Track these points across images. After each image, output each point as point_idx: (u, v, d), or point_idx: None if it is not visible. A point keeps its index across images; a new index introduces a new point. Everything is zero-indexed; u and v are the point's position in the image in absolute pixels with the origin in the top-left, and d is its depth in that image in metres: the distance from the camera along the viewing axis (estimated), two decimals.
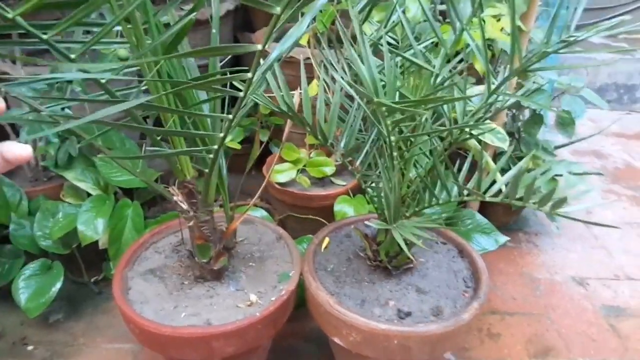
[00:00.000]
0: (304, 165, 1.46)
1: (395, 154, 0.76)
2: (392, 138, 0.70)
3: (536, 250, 1.64)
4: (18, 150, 0.35)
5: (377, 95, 0.60)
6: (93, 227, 1.23)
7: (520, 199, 0.74)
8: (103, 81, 0.67)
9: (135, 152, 1.39)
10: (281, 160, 1.48)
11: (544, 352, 1.23)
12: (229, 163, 1.02)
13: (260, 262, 1.02)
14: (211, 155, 0.80)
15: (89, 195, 1.32)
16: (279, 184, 1.42)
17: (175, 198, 0.88)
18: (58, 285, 1.24)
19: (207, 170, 0.84)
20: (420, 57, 0.79)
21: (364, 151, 0.87)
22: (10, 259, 1.30)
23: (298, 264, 1.00)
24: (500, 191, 0.76)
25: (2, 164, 0.36)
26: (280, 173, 1.42)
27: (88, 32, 0.95)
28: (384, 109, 0.59)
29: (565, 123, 1.47)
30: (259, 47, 0.57)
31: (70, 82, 0.90)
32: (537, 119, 1.51)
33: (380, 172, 0.88)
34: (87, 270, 1.40)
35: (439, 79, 0.81)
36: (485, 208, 1.55)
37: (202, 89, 0.72)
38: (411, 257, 0.74)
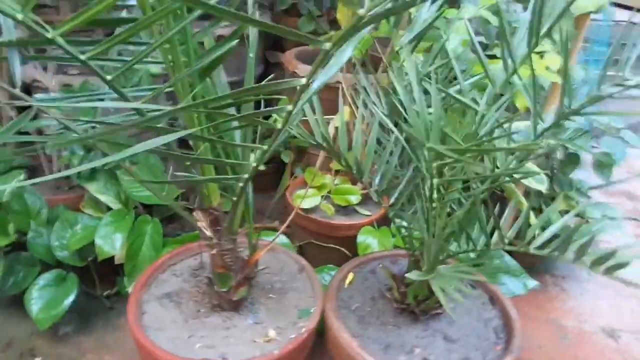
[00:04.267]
0: (329, 192, 1.42)
1: (434, 196, 0.72)
2: (435, 181, 0.66)
3: (564, 295, 1.57)
4: None
5: (427, 139, 0.56)
6: (111, 242, 1.20)
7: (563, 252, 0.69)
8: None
9: (159, 167, 1.36)
10: (305, 185, 1.44)
11: None
12: None
13: (281, 294, 0.98)
14: (241, 184, 0.76)
15: (108, 208, 1.30)
16: (302, 210, 1.38)
17: (199, 224, 0.84)
18: (71, 298, 1.21)
19: (234, 198, 0.80)
20: (467, 95, 0.75)
21: (399, 189, 0.83)
22: (26, 267, 1.28)
23: (320, 300, 0.95)
24: (547, 242, 0.71)
25: None
26: (304, 199, 1.38)
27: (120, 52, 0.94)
28: (432, 153, 0.55)
29: (604, 165, 1.41)
30: (303, 81, 0.54)
31: (102, 99, 0.88)
32: (573, 159, 1.45)
33: (414, 211, 0.83)
34: (100, 284, 1.37)
35: (485, 119, 0.77)
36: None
37: (243, 121, 0.69)
38: (447, 307, 0.70)
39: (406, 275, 0.74)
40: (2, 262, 1.21)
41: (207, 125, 0.67)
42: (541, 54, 1.20)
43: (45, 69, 1.28)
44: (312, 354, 1.07)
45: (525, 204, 1.24)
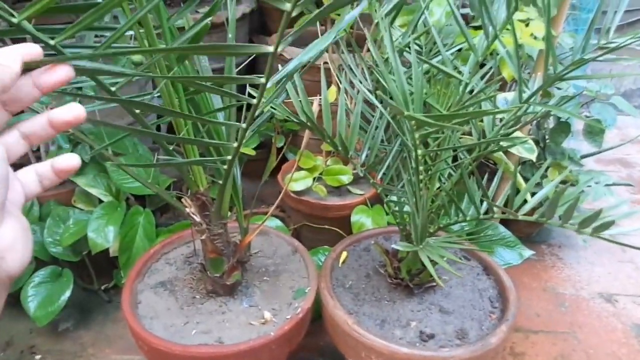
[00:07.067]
0: (320, 174, 1.41)
1: (420, 168, 0.71)
2: (419, 152, 0.65)
3: (560, 264, 1.57)
4: (68, 161, 0.36)
5: (407, 108, 0.56)
6: (104, 235, 1.20)
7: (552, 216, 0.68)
8: (113, 89, 0.63)
9: (148, 158, 1.35)
10: (297, 167, 1.43)
11: None
12: (242, 169, 0.99)
13: (275, 276, 0.98)
14: (225, 166, 0.76)
15: (100, 201, 1.30)
16: (295, 192, 1.38)
17: (187, 210, 0.84)
18: (68, 293, 1.21)
19: (220, 182, 0.80)
20: (449, 65, 0.74)
21: (386, 164, 0.83)
22: None
23: (314, 279, 0.95)
24: (534, 209, 0.71)
25: (53, 179, 0.35)
26: (296, 181, 1.37)
27: (100, 36, 0.92)
28: (413, 122, 0.54)
29: (594, 132, 1.41)
30: (271, 48, 0.53)
31: (80, 88, 0.87)
32: (563, 128, 1.45)
33: (403, 186, 0.83)
34: (97, 278, 1.37)
35: (468, 88, 0.76)
36: (506, 219, 1.49)
37: (213, 92, 0.68)
38: (435, 277, 0.70)
39: (392, 246, 0.73)
40: None
41: (188, 95, 0.65)
42: (527, 22, 1.18)
43: None
44: (312, 334, 1.08)
45: (512, 168, 1.23)
